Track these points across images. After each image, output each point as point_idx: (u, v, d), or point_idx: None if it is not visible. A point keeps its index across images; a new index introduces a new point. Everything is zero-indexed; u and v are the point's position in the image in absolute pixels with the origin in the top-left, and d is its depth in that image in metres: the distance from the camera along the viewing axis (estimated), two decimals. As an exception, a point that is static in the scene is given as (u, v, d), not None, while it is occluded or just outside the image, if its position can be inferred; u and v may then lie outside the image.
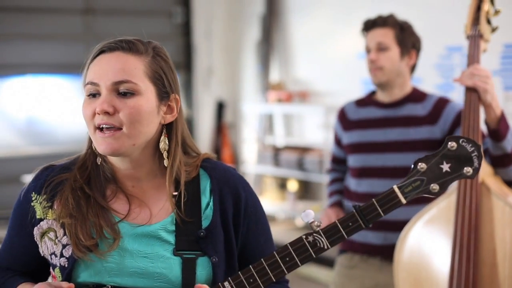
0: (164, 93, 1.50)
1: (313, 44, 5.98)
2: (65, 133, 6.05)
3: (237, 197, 1.55)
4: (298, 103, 6.02)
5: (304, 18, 6.06)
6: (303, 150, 5.96)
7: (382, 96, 2.70)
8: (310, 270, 5.14)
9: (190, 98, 6.76)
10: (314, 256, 1.41)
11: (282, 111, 6.26)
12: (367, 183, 2.68)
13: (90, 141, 1.53)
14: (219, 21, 6.73)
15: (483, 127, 2.28)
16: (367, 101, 2.76)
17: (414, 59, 2.65)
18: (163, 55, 1.53)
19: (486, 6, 2.28)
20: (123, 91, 1.44)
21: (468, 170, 1.41)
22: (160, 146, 1.51)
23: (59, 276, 1.49)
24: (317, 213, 4.72)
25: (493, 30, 2.32)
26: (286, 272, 1.42)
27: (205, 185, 1.54)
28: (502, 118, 2.23)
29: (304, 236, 1.42)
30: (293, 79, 6.23)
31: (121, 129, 1.44)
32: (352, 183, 2.75)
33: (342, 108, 2.84)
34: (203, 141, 6.70)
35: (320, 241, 1.41)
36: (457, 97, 4.02)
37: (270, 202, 6.15)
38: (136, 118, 1.44)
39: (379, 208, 1.40)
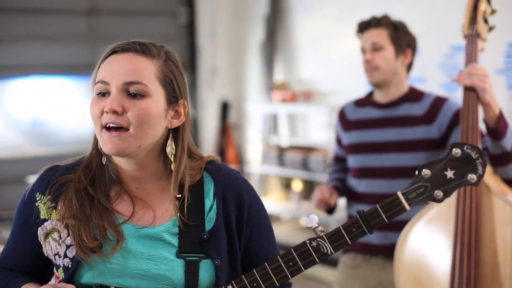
0: (173, 98, 1.51)
1: (317, 44, 5.98)
2: (69, 134, 6.06)
3: (240, 200, 1.55)
4: (302, 103, 6.01)
5: (308, 18, 6.06)
6: (308, 150, 5.95)
7: (379, 96, 2.70)
8: (313, 269, 5.13)
9: (194, 99, 6.76)
10: (318, 261, 1.42)
11: (286, 111, 6.26)
12: (366, 183, 2.69)
13: (96, 141, 1.53)
14: (223, 21, 6.73)
15: (482, 126, 2.28)
16: (365, 101, 2.77)
17: (410, 58, 2.66)
18: (175, 60, 1.53)
19: (483, 6, 2.30)
20: (133, 92, 1.45)
21: (472, 177, 1.41)
22: (167, 151, 1.51)
23: (62, 277, 1.49)
24: (320, 215, 4.71)
25: (490, 29, 2.34)
26: (290, 277, 1.43)
27: (209, 188, 1.55)
28: (501, 117, 2.23)
29: (308, 241, 1.43)
30: (297, 79, 6.23)
31: (128, 129, 1.44)
32: (352, 183, 2.76)
33: (342, 108, 2.85)
34: (208, 142, 6.70)
35: (323, 246, 1.42)
36: (461, 96, 4.00)
37: (274, 202, 6.15)
38: (144, 119, 1.44)
39: (383, 214, 1.41)
